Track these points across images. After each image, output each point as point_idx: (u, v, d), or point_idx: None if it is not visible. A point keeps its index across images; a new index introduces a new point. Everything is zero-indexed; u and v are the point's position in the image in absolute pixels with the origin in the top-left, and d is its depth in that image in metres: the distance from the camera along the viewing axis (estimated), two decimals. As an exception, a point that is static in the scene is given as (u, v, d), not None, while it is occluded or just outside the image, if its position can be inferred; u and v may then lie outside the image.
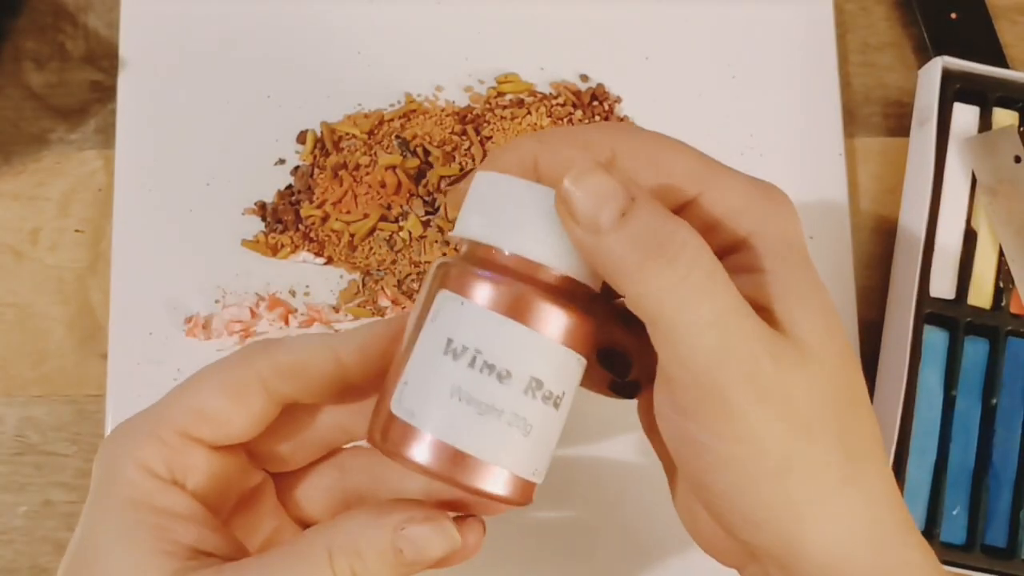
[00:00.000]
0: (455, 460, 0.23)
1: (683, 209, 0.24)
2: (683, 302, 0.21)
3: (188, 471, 0.25)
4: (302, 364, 0.26)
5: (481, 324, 0.23)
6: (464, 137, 0.44)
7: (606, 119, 0.45)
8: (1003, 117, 0.44)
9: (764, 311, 0.23)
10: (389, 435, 0.23)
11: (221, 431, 0.25)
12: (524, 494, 0.24)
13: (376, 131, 0.45)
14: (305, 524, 0.30)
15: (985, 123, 0.43)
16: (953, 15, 0.46)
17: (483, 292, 0.23)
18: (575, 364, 0.24)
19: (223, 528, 0.25)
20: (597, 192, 0.21)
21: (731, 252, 0.24)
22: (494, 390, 0.23)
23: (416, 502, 0.25)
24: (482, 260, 0.24)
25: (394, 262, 0.43)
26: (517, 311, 0.23)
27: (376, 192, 0.44)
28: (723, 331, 0.21)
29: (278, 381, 0.26)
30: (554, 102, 0.45)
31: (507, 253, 0.23)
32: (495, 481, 0.23)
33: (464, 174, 0.26)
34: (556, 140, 0.25)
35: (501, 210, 0.23)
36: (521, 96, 0.46)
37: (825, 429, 0.22)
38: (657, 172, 0.24)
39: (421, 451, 0.23)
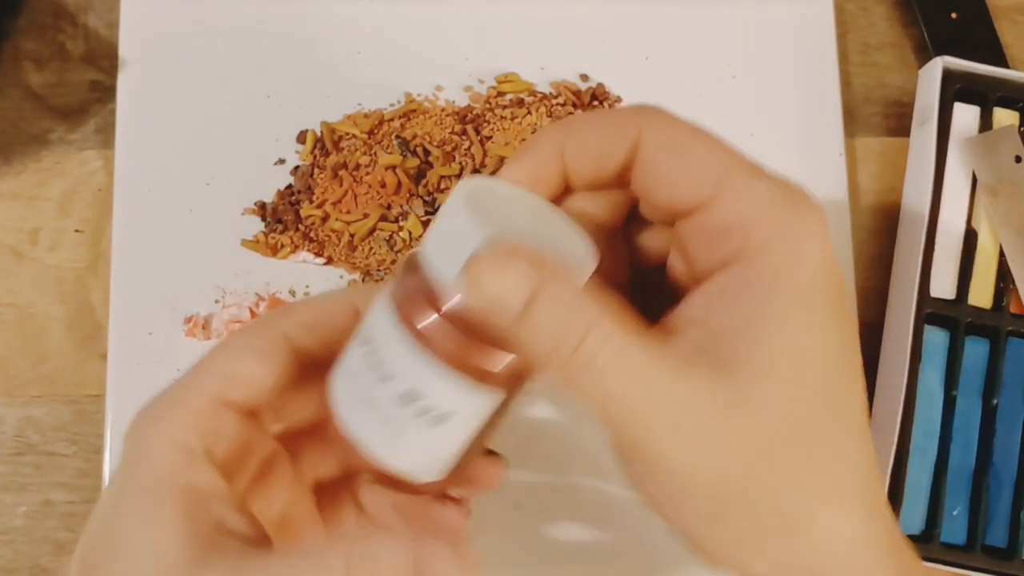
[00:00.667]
0: (345, 436, 0.25)
1: (696, 210, 0.24)
2: (593, 383, 0.22)
3: (219, 438, 0.25)
4: (324, 318, 0.27)
5: (382, 325, 0.24)
6: (464, 137, 0.44)
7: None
8: (1003, 117, 0.44)
9: (729, 341, 0.22)
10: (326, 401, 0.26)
11: (252, 392, 0.26)
12: (414, 481, 0.25)
13: (376, 131, 0.45)
14: (320, 489, 0.30)
15: (985, 123, 0.43)
16: (953, 15, 0.46)
17: (397, 297, 0.24)
18: (471, 392, 0.24)
19: (244, 507, 0.25)
20: (500, 285, 0.22)
21: (733, 264, 0.23)
22: (373, 385, 0.24)
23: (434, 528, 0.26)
24: (415, 270, 0.24)
25: (394, 262, 0.43)
26: (412, 327, 0.23)
27: (376, 192, 0.44)
28: (639, 399, 0.21)
29: (303, 336, 0.27)
30: (554, 102, 0.45)
31: (432, 275, 0.24)
32: (381, 463, 0.25)
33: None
34: (582, 128, 0.24)
35: (441, 233, 0.24)
36: (521, 96, 0.46)
37: (775, 470, 0.22)
38: (679, 163, 0.23)
39: (333, 422, 0.25)
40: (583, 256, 0.24)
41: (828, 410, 0.23)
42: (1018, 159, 0.42)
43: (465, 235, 0.22)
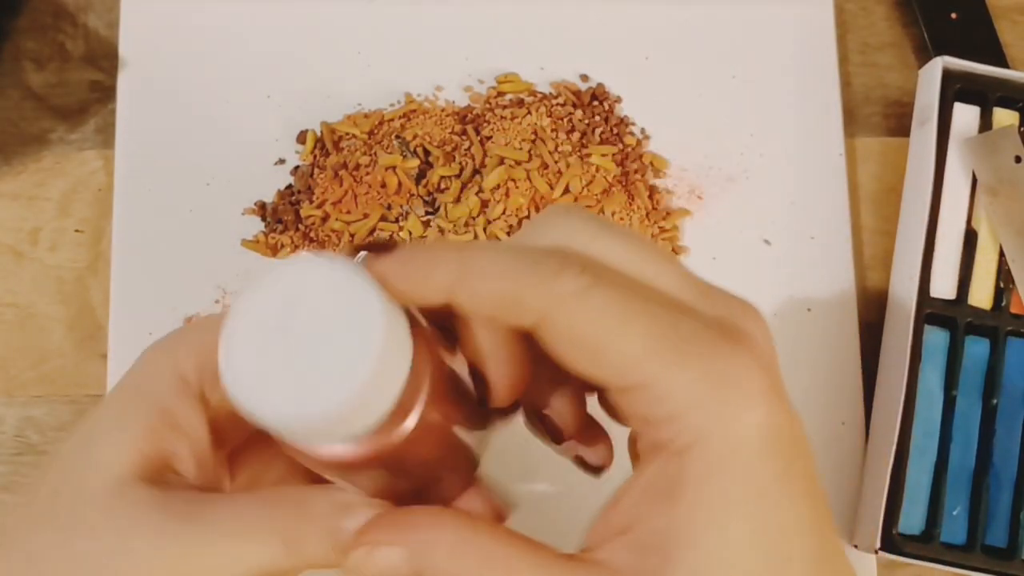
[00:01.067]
0: None
1: (612, 392, 0.22)
2: None
3: (216, 384, 0.24)
4: None
5: None
6: (464, 137, 0.44)
7: (606, 119, 0.45)
8: (1003, 117, 0.44)
9: (664, 548, 0.20)
10: None
11: None
12: None
13: (376, 131, 0.45)
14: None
15: (985, 123, 0.43)
16: (953, 15, 0.46)
17: None
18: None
19: (206, 457, 0.25)
20: (383, 566, 0.21)
21: (661, 455, 0.21)
22: None
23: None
24: None
25: (394, 262, 0.43)
26: None
27: (376, 192, 0.44)
28: None
29: None
30: (554, 102, 0.45)
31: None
32: None
33: (387, 243, 0.23)
34: (483, 276, 0.21)
35: (243, 307, 0.19)
36: (521, 96, 0.46)
37: None
38: (588, 359, 0.21)
39: None
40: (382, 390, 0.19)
41: None
42: (1018, 159, 0.42)
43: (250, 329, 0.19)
